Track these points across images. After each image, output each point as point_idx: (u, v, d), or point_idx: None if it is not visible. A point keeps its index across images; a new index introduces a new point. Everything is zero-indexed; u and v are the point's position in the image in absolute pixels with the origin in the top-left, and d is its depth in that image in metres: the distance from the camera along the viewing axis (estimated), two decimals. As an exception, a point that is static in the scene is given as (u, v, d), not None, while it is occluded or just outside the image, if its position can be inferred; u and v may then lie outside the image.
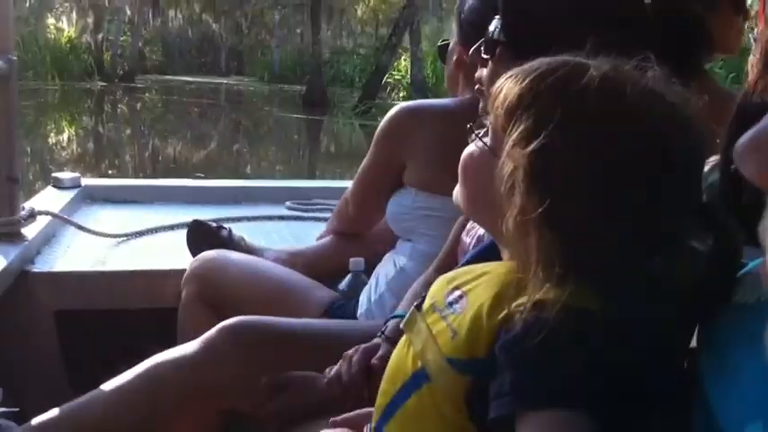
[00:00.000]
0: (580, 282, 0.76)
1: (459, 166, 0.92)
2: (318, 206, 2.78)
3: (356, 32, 25.66)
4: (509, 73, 0.87)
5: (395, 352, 0.94)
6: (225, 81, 24.20)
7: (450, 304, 0.86)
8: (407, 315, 0.93)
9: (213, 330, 1.48)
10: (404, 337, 0.92)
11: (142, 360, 1.51)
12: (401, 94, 18.66)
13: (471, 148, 0.92)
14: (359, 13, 25.08)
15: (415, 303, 0.93)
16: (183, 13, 26.48)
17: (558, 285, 0.76)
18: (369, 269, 1.86)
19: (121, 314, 2.10)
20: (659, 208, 0.79)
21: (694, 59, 1.54)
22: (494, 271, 0.87)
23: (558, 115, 0.79)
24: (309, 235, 2.29)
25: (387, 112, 1.82)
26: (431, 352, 0.84)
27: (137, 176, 9.11)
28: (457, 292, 0.87)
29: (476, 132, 0.91)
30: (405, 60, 19.58)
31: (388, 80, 18.89)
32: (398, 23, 17.02)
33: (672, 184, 0.79)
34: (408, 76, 19.13)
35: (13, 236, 2.09)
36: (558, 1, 1.25)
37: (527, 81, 0.84)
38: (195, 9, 26.65)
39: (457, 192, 0.94)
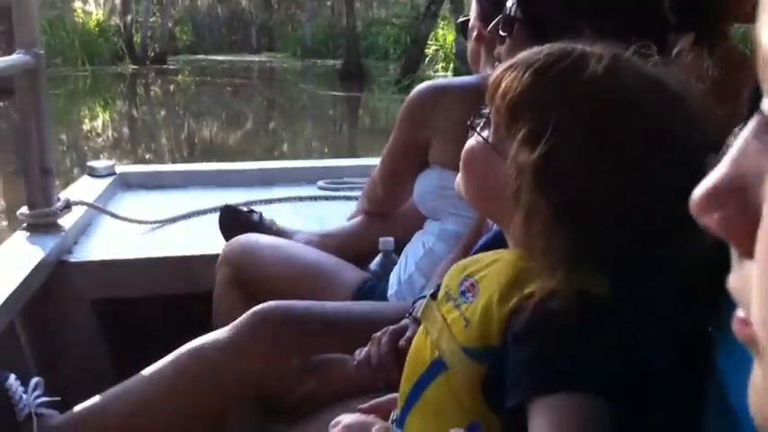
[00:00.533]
0: (589, 268, 0.77)
1: (461, 159, 0.93)
2: (349, 185, 2.84)
3: (389, 2, 25.46)
4: (508, 62, 0.87)
5: (414, 339, 0.96)
6: (257, 58, 24.19)
7: (463, 293, 0.88)
8: (423, 304, 0.96)
9: (245, 316, 1.54)
10: (422, 326, 0.94)
11: (181, 345, 1.58)
12: (442, 65, 18.24)
13: (472, 142, 0.92)
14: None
15: (431, 292, 0.96)
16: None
17: (567, 273, 0.77)
18: (399, 248, 1.90)
19: (159, 300, 2.18)
20: (668, 194, 0.80)
21: (718, 27, 1.54)
22: (504, 258, 0.88)
23: (563, 114, 0.80)
24: (341, 214, 2.34)
25: None
26: (446, 341, 0.86)
27: (174, 160, 9.21)
28: (469, 281, 0.88)
29: (475, 125, 0.92)
30: (442, 30, 19.27)
31: (425, 51, 18.67)
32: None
33: (678, 172, 0.81)
34: (447, 47, 18.80)
35: (50, 227, 2.18)
36: None
37: (528, 75, 0.84)
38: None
39: (458, 181, 0.95)
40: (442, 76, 15.27)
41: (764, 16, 0.31)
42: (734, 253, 0.35)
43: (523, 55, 0.87)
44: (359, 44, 19.86)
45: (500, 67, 0.88)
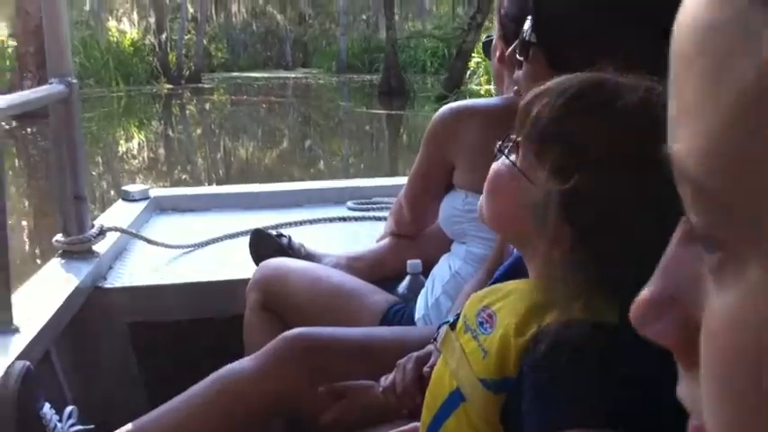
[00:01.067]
0: (607, 299, 0.78)
1: (486, 182, 0.95)
2: (379, 205, 2.90)
3: (425, 14, 25.57)
4: (537, 90, 0.88)
5: (435, 368, 0.98)
6: (292, 75, 24.40)
7: (481, 324, 0.90)
8: (442, 334, 0.99)
9: (272, 342, 1.60)
10: (441, 355, 0.97)
11: (213, 369, 1.64)
12: (484, 78, 17.70)
13: (499, 165, 0.94)
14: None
15: (450, 322, 0.98)
16: (246, 6, 26.94)
17: (585, 303, 0.78)
18: (427, 271, 1.93)
19: (191, 324, 2.25)
20: None
21: None
22: (521, 289, 0.90)
23: (595, 145, 0.80)
24: (370, 235, 2.39)
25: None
26: (464, 372, 0.88)
27: (210, 181, 9.33)
28: (487, 311, 0.90)
29: (503, 149, 0.93)
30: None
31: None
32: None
33: None
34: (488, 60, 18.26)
35: (85, 253, 2.27)
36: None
37: (560, 104, 0.84)
38: (258, 1, 27.07)
39: (482, 204, 0.97)
40: (486, 91, 15.11)
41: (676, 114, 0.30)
42: (678, 364, 0.35)
43: (556, 82, 0.87)
44: (396, 57, 19.67)
45: (531, 93, 0.89)
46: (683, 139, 0.29)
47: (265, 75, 24.32)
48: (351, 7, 25.76)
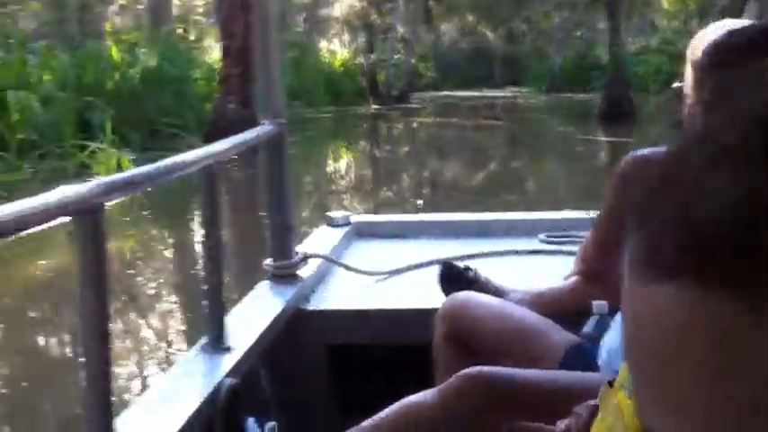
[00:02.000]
0: None
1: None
2: (573, 239, 2.90)
3: (647, 29, 24.92)
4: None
5: (594, 425, 1.08)
6: (501, 94, 24.54)
7: None
8: (601, 390, 1.07)
9: (453, 378, 1.77)
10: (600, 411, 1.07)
11: (403, 394, 1.84)
12: None
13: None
14: (665, 3, 24.16)
15: (608, 379, 1.08)
16: (455, 25, 27.52)
17: None
18: (613, 313, 2.00)
19: (385, 349, 2.47)
20: None
21: None
22: None
23: None
24: (561, 272, 2.46)
25: None
26: (618, 430, 0.97)
27: (418, 209, 9.43)
28: None
29: None
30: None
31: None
32: (728, 10, 14.62)
33: None
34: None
35: (289, 277, 2.59)
36: None
37: None
38: (469, 20, 27.56)
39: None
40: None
41: None
42: None
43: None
44: (624, 75, 18.09)
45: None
46: None
47: (473, 93, 24.62)
48: (564, 24, 25.57)
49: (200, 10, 23.35)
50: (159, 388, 1.95)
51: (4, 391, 4.60)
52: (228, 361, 2.02)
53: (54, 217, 1.41)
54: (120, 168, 10.09)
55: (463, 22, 27.56)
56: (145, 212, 8.75)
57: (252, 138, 2.45)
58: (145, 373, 4.60)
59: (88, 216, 1.45)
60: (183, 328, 5.49)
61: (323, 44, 24.63)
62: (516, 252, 2.95)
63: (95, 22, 20.92)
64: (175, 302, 6.10)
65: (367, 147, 16.23)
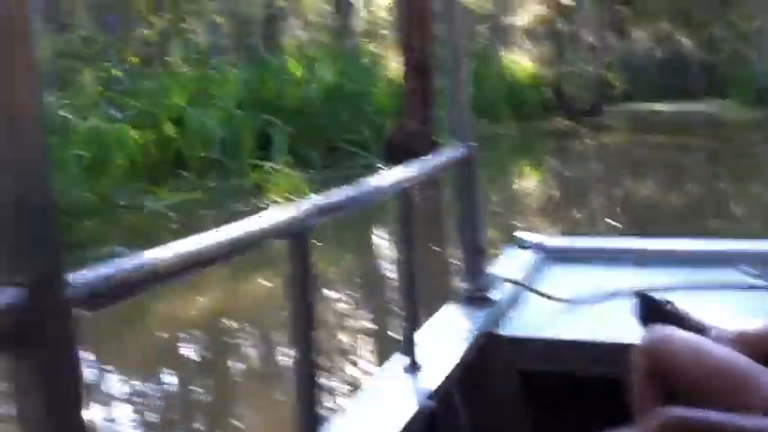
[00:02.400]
0: None
1: None
2: None
3: None
4: None
5: None
6: (698, 107, 23.33)
7: None
8: None
9: (651, 417, 1.78)
10: None
11: (594, 427, 1.85)
12: None
13: None
14: None
15: None
16: (648, 31, 26.68)
17: None
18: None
19: (578, 379, 2.47)
20: None
21: None
22: None
23: None
24: (764, 308, 2.39)
25: None
26: None
27: (612, 233, 8.86)
28: None
29: None
30: None
31: None
32: None
33: None
34: None
35: (481, 300, 2.66)
36: None
37: None
38: (664, 27, 26.64)
39: None
40: None
41: None
42: None
43: None
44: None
45: None
46: None
47: (668, 107, 23.63)
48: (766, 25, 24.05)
49: (386, 24, 23.84)
50: (358, 403, 2.06)
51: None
52: (424, 382, 2.10)
53: (267, 240, 1.56)
54: (297, 191, 10.31)
55: (657, 28, 26.65)
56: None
57: (444, 161, 2.54)
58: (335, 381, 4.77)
59: (298, 237, 1.58)
60: (371, 344, 5.65)
61: (505, 53, 24.39)
62: (717, 286, 2.84)
63: (277, 37, 21.57)
64: (361, 318, 6.26)
65: (562, 164, 15.32)
